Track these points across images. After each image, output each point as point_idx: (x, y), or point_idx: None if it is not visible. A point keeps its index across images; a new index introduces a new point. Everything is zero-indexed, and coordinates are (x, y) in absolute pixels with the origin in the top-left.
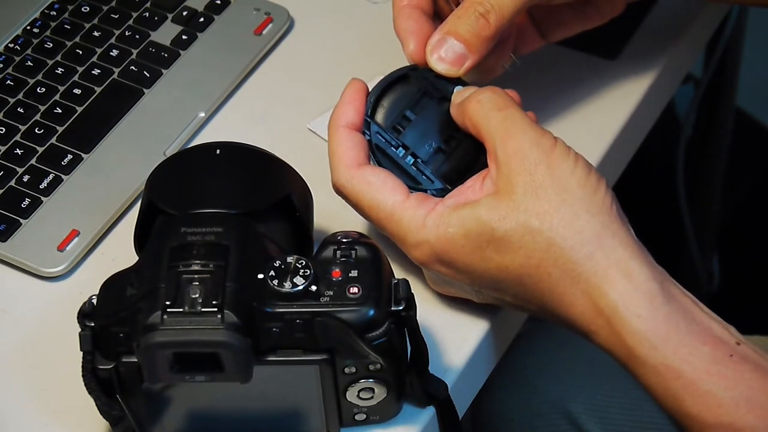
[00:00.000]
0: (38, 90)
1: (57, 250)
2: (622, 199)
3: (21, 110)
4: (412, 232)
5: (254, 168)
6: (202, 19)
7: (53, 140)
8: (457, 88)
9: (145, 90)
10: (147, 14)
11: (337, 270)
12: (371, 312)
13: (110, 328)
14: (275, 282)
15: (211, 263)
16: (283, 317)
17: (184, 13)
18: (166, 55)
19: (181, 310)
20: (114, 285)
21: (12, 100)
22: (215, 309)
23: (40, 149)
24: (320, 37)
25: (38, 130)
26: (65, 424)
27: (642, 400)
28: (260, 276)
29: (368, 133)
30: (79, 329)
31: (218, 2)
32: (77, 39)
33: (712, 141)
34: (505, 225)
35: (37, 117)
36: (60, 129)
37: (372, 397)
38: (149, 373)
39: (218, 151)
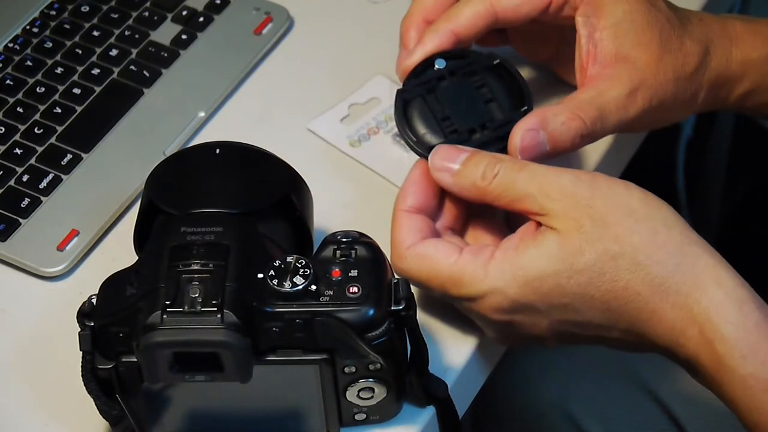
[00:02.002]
0: (38, 90)
1: (57, 250)
2: None
3: (20, 110)
4: (476, 284)
5: (254, 168)
6: (201, 19)
7: (53, 140)
8: (436, 150)
9: (144, 90)
10: (147, 14)
11: (337, 270)
12: (371, 312)
13: (110, 328)
14: (275, 282)
15: (210, 263)
16: (282, 317)
17: (184, 13)
18: (165, 54)
19: (180, 309)
20: (114, 285)
21: (12, 100)
22: (215, 309)
23: (40, 149)
24: (320, 37)
25: (38, 129)
26: (65, 424)
27: (643, 400)
28: (260, 276)
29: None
30: (79, 329)
31: (218, 2)
32: (77, 39)
33: (712, 141)
34: (584, 258)
35: (37, 117)
36: (59, 129)
37: (372, 397)
38: (149, 373)
39: (218, 151)
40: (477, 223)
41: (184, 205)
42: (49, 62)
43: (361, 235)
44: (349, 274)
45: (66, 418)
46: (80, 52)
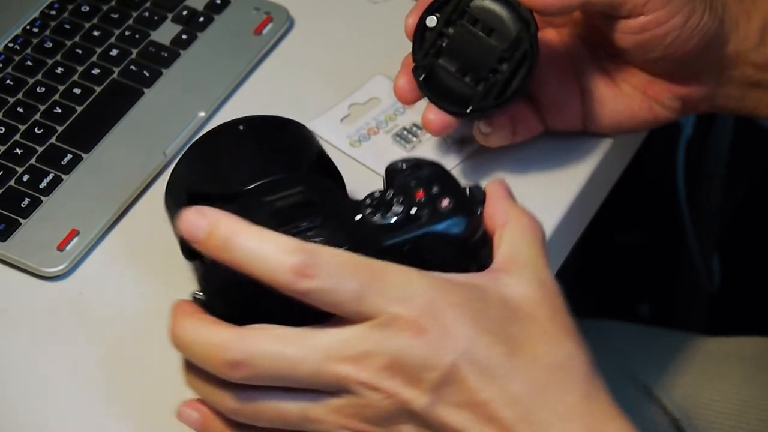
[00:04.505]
0: (38, 90)
1: (57, 250)
2: (623, 199)
3: (21, 110)
4: None
5: (281, 134)
6: (202, 19)
7: (53, 140)
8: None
9: (145, 90)
10: (147, 14)
11: (420, 191)
12: (467, 220)
13: None
14: (377, 217)
15: (313, 219)
16: (400, 248)
17: (184, 13)
18: (166, 54)
19: None
20: None
21: (12, 100)
22: None
23: (40, 149)
24: (320, 37)
25: (38, 129)
26: (64, 425)
27: (643, 401)
28: (358, 217)
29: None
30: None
31: (218, 2)
32: (77, 39)
33: (712, 141)
34: None
35: (37, 117)
36: (60, 129)
37: None
38: None
39: (241, 127)
40: None
41: (240, 183)
42: (49, 62)
43: (416, 158)
44: (432, 192)
45: (65, 418)
46: (80, 52)
